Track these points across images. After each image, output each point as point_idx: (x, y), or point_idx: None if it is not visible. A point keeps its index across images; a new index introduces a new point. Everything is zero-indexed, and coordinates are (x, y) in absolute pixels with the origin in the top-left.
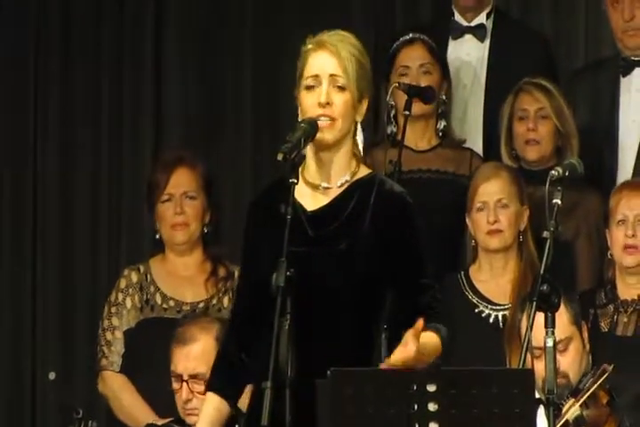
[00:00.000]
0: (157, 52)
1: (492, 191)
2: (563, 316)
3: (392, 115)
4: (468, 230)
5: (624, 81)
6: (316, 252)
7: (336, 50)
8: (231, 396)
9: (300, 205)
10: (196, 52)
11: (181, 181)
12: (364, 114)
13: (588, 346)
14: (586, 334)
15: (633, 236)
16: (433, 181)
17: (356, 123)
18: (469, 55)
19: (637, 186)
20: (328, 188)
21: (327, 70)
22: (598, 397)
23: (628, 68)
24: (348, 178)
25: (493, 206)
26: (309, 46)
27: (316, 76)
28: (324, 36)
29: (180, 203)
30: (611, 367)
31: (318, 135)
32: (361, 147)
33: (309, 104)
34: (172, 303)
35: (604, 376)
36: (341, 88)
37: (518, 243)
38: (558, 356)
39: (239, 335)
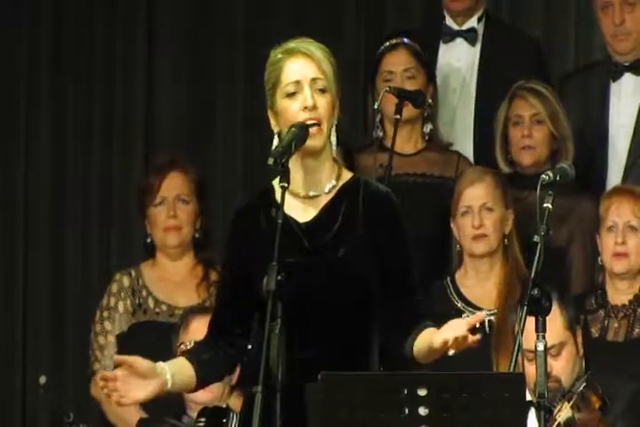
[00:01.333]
0: (149, 55)
1: (476, 195)
2: (557, 320)
3: (378, 119)
4: (453, 238)
5: (614, 86)
6: (313, 262)
7: (311, 53)
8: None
9: (290, 217)
10: (187, 56)
11: (174, 185)
12: (337, 115)
13: (581, 351)
14: (580, 339)
15: (623, 243)
16: (420, 185)
17: (332, 125)
18: (460, 59)
19: (626, 192)
20: (316, 196)
21: (308, 75)
22: (590, 401)
23: (618, 73)
24: (334, 183)
25: (478, 210)
26: (279, 56)
27: (297, 82)
28: (291, 44)
29: (173, 206)
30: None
31: (308, 142)
32: (334, 148)
33: (294, 110)
34: (164, 308)
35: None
36: (323, 90)
37: (503, 247)
38: (551, 360)
39: (222, 324)
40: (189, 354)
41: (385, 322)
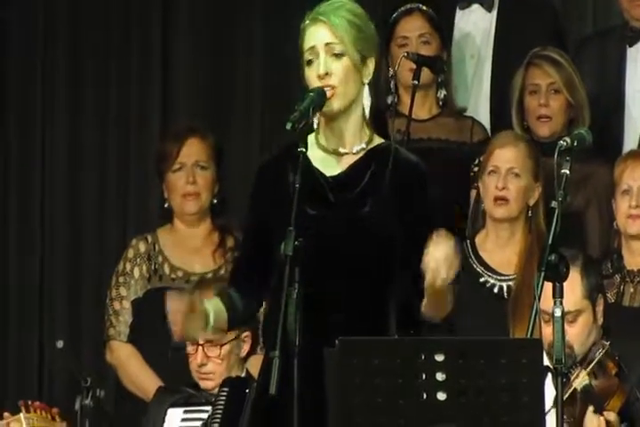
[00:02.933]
0: (166, 24)
1: (505, 158)
2: (576, 289)
3: (392, 84)
4: (472, 199)
5: (631, 50)
6: (337, 216)
7: (328, 19)
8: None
9: (318, 170)
10: (206, 27)
11: (193, 151)
12: (372, 75)
13: (600, 320)
14: (601, 308)
15: (637, 206)
16: (435, 150)
17: (363, 85)
18: (476, 25)
19: None
20: (344, 153)
21: (322, 40)
22: (607, 367)
23: (635, 38)
24: (363, 146)
25: (505, 173)
26: (306, 22)
27: (313, 48)
28: (319, 9)
29: (192, 172)
30: (607, 344)
31: (325, 106)
32: (367, 111)
33: (312, 79)
34: (180, 274)
35: (604, 350)
36: (339, 55)
37: (527, 217)
38: (567, 326)
39: (243, 273)
40: (222, 297)
41: (403, 287)
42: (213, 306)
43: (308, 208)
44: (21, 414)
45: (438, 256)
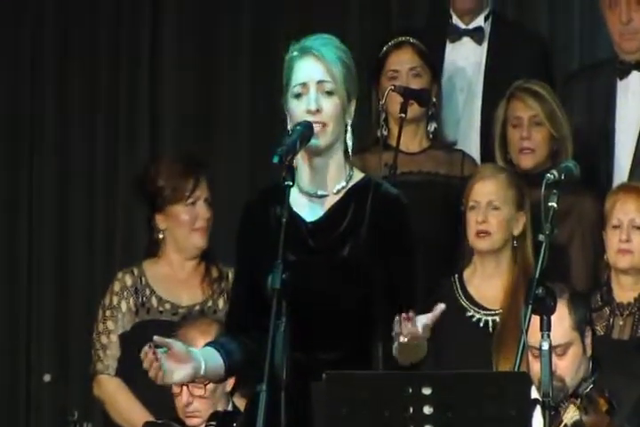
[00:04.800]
0: (154, 49)
1: (484, 192)
2: (565, 321)
3: (383, 118)
4: (463, 232)
5: (621, 84)
6: (316, 261)
7: (321, 55)
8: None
9: (298, 215)
10: (193, 50)
11: (204, 187)
12: (353, 115)
13: (589, 352)
14: (589, 340)
15: (627, 240)
16: (425, 183)
17: (346, 125)
18: (467, 58)
19: (632, 190)
20: (324, 195)
21: (314, 77)
22: (598, 404)
23: (625, 72)
24: (343, 184)
25: (484, 207)
26: (294, 53)
27: (304, 84)
28: (307, 42)
29: (205, 208)
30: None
31: (312, 141)
32: (350, 150)
33: (299, 112)
34: (167, 306)
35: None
36: (330, 93)
37: (512, 247)
38: (556, 359)
39: (237, 319)
40: (214, 344)
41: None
42: (202, 351)
43: (288, 253)
44: None
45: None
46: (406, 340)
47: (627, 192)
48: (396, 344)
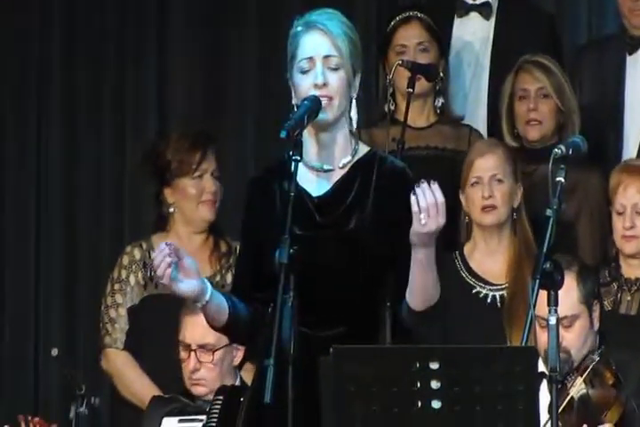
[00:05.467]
0: (161, 26)
1: (486, 167)
2: (572, 293)
3: (390, 93)
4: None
5: (630, 59)
6: (323, 235)
7: (327, 29)
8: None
9: (304, 191)
10: (201, 30)
11: (212, 160)
12: (358, 89)
13: (596, 326)
14: (597, 314)
15: (631, 227)
16: (433, 158)
17: (352, 99)
18: (474, 33)
19: (635, 171)
20: (330, 170)
21: (321, 52)
22: (604, 377)
23: (634, 46)
24: (349, 158)
25: (488, 181)
26: (299, 28)
27: (310, 59)
28: (312, 16)
29: (212, 181)
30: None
31: (319, 115)
32: (354, 123)
33: (305, 86)
34: None
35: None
36: (336, 68)
37: (512, 220)
38: (563, 331)
39: (242, 290)
40: (223, 293)
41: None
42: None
43: (295, 228)
44: None
45: (423, 204)
46: (425, 220)
47: (630, 173)
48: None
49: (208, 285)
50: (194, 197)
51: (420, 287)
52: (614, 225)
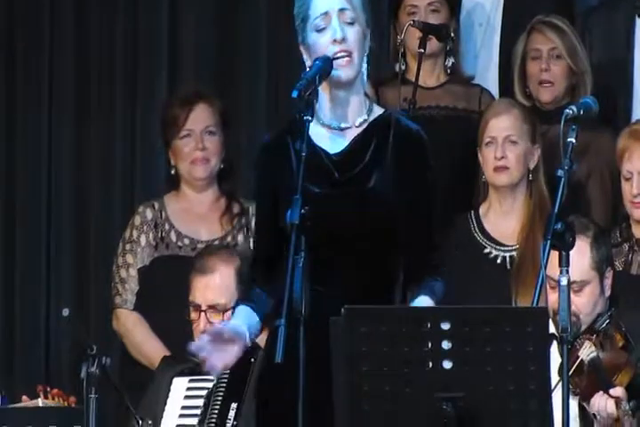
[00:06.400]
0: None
1: (501, 127)
2: (584, 259)
3: (401, 53)
4: (478, 168)
5: (639, 22)
6: (343, 193)
7: None
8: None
9: (320, 148)
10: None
11: (202, 117)
12: (369, 45)
13: (608, 292)
14: (609, 281)
15: (638, 194)
16: (443, 118)
17: (363, 56)
18: None
19: None
20: (346, 128)
21: (335, 6)
22: (615, 340)
23: None
24: (365, 117)
25: (502, 142)
26: None
27: (325, 14)
28: None
29: (201, 138)
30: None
31: (336, 73)
32: (365, 80)
33: (324, 44)
34: (186, 241)
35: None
36: (352, 22)
37: (528, 181)
38: (573, 295)
39: (262, 269)
40: (248, 303)
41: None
42: (243, 318)
43: (313, 187)
44: (39, 400)
45: None
46: None
47: (636, 139)
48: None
49: (246, 330)
50: (185, 156)
51: None
52: (623, 190)
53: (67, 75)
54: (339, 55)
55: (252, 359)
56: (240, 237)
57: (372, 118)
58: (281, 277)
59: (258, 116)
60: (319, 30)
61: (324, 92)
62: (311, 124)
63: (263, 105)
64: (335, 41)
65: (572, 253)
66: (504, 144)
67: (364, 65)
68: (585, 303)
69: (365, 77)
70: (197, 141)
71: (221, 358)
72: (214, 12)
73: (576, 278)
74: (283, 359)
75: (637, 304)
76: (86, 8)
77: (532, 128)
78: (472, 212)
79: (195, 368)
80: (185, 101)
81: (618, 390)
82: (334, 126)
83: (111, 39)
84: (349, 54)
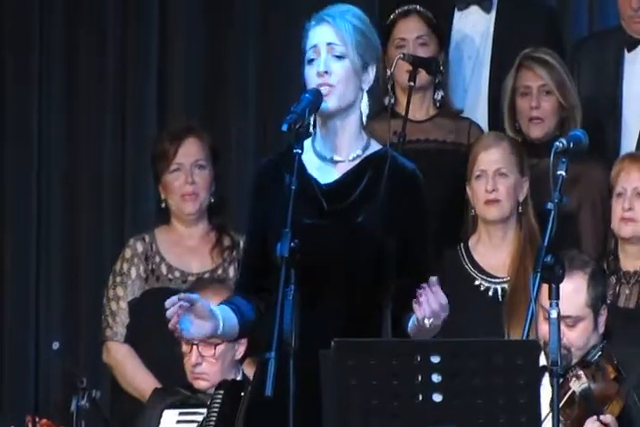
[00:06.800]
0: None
1: (491, 160)
2: (581, 294)
3: (390, 86)
4: (466, 202)
5: (628, 55)
6: (332, 224)
7: (333, 20)
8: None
9: (312, 178)
10: (202, 21)
11: (192, 151)
12: (372, 82)
13: (601, 329)
14: (603, 319)
15: (630, 209)
16: (432, 151)
17: (362, 91)
18: (475, 27)
19: (637, 159)
20: (339, 161)
21: (324, 39)
22: (606, 371)
23: (633, 44)
24: (359, 152)
25: (492, 175)
26: (312, 23)
27: (315, 47)
28: (324, 11)
29: (191, 173)
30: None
31: (324, 105)
32: (365, 118)
33: (311, 76)
34: (177, 274)
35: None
36: (340, 56)
37: (518, 214)
38: (565, 329)
39: (249, 277)
40: (229, 304)
41: (395, 298)
42: (220, 310)
43: (303, 217)
44: None
45: (428, 313)
46: (429, 322)
47: (632, 161)
48: (412, 321)
49: (219, 318)
50: (176, 190)
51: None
52: (613, 210)
53: (55, 113)
54: (321, 88)
55: (242, 394)
56: (231, 270)
57: (366, 154)
58: (270, 310)
59: (247, 148)
60: (309, 62)
61: (318, 122)
62: (305, 153)
63: (252, 138)
64: (319, 73)
65: (569, 288)
66: (494, 177)
67: (363, 101)
68: (577, 338)
69: (363, 112)
70: (187, 175)
71: (195, 326)
72: (204, 40)
73: (571, 314)
74: (273, 393)
75: (626, 336)
76: (76, 39)
77: (520, 160)
78: (462, 244)
79: (185, 400)
80: (174, 136)
81: (608, 417)
82: (327, 158)
83: (100, 69)
84: (330, 87)
